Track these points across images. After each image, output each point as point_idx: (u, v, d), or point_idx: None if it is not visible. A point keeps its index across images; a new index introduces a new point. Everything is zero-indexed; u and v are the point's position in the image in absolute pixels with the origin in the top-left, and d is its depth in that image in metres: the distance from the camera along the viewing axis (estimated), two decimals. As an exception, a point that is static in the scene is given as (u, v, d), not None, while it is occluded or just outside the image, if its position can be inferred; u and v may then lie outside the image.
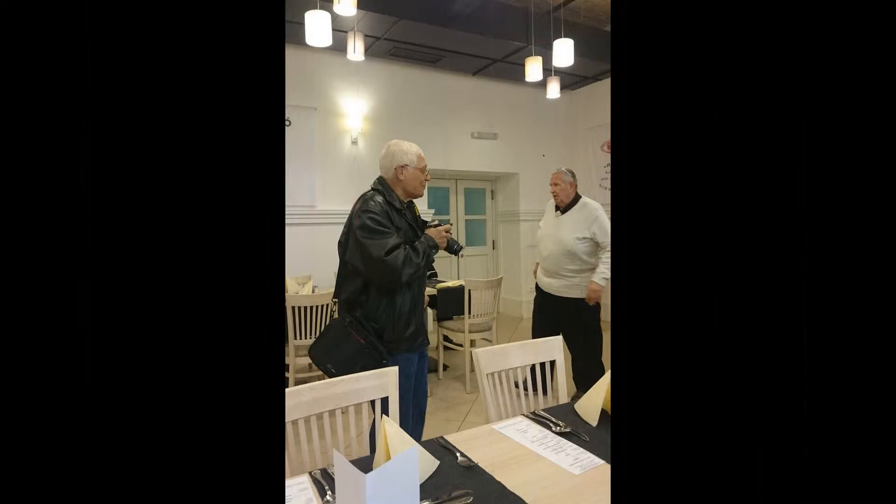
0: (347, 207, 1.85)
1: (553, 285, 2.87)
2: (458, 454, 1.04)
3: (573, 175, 2.87)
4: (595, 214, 2.77)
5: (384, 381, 1.27)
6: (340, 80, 4.54)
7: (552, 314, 2.91)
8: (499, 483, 0.93)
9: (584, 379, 2.87)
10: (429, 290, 3.26)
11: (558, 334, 1.66)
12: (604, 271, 2.72)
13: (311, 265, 4.12)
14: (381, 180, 1.83)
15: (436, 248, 1.81)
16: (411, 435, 1.05)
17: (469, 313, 3.39)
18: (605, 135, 5.39)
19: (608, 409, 1.23)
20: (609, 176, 5.31)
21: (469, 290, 3.37)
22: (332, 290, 1.99)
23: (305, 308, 2.90)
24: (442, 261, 5.47)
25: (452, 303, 3.45)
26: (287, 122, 4.26)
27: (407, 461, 0.72)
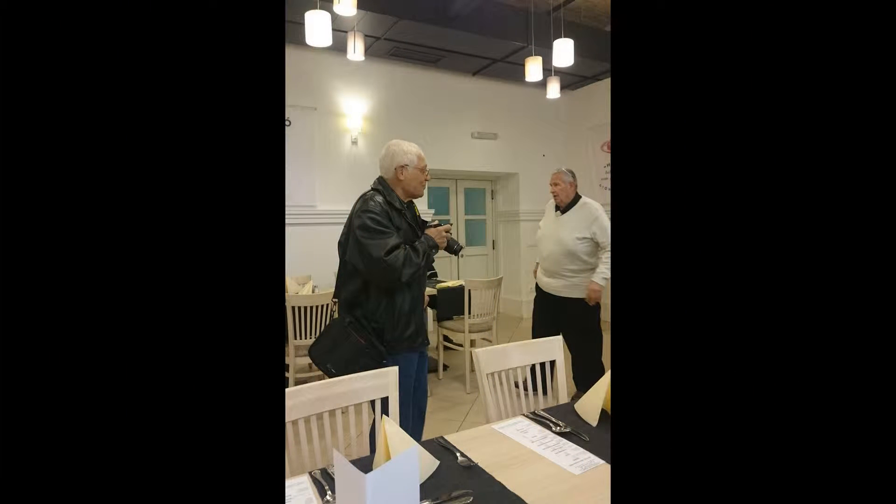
0: (347, 207, 1.85)
1: (553, 285, 2.87)
2: (458, 454, 1.04)
3: (573, 175, 2.87)
4: (595, 214, 2.77)
5: (384, 381, 1.27)
6: (340, 80, 4.54)
7: (552, 314, 2.91)
8: (499, 483, 0.93)
9: (584, 379, 2.87)
10: (429, 290, 3.26)
11: (558, 334, 1.66)
12: (604, 271, 2.72)
13: (311, 265, 4.12)
14: (381, 180, 1.83)
15: (436, 248, 1.81)
16: (411, 435, 1.05)
17: (469, 313, 3.39)
18: (605, 135, 5.39)
19: (608, 409, 1.23)
20: (609, 176, 5.31)
21: (469, 290, 3.36)
22: (332, 290, 1.99)
23: (305, 308, 2.90)
24: (442, 261, 5.47)
25: (452, 303, 3.45)
26: (287, 122, 4.26)
27: (407, 461, 0.72)
